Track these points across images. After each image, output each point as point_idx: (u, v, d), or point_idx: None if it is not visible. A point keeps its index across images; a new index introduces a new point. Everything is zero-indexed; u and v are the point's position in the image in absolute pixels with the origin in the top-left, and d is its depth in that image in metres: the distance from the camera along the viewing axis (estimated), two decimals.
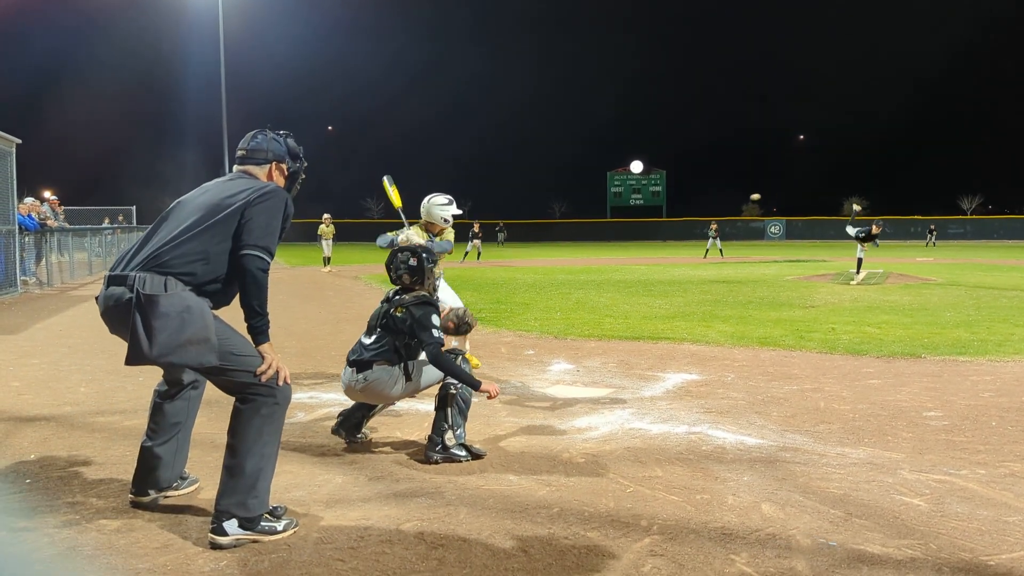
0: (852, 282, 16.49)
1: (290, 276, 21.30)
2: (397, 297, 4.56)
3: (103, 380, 6.40)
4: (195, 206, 3.27)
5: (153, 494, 3.49)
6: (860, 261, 17.06)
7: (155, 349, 3.02)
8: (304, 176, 3.69)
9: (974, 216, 75.25)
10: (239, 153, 3.55)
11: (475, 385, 4.27)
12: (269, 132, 3.58)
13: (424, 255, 4.59)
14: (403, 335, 4.39)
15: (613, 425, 4.96)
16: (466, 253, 28.95)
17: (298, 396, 5.80)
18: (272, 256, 3.24)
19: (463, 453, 4.26)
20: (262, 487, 3.19)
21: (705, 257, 32.86)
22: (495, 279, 19.03)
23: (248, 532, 3.12)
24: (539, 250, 44.56)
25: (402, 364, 4.37)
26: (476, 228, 30.10)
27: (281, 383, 3.24)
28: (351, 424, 4.59)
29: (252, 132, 3.59)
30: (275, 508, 3.25)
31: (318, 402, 5.64)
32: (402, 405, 5.50)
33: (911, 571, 2.82)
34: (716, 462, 4.16)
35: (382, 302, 4.60)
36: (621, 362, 7.27)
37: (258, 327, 3.21)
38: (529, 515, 3.38)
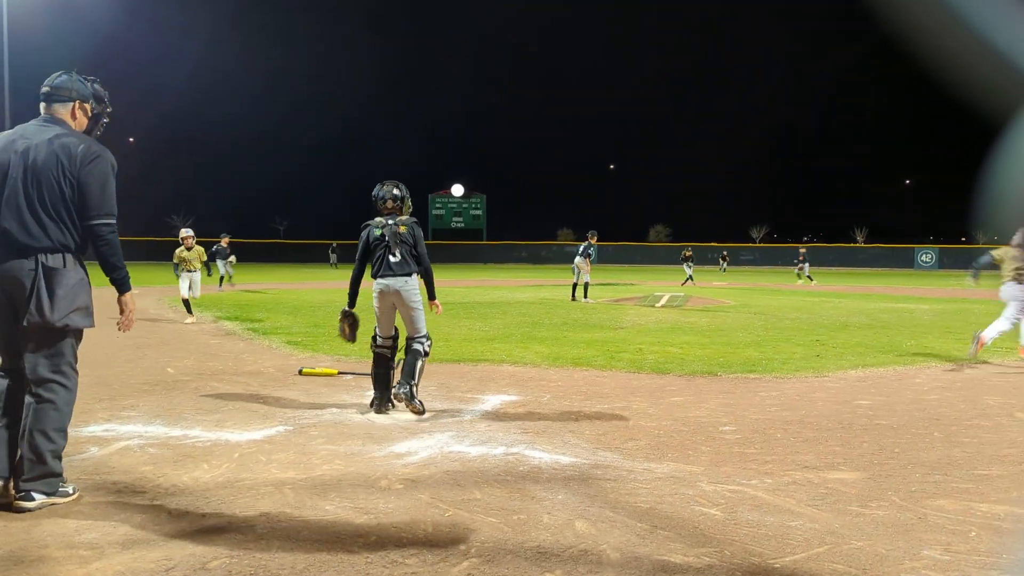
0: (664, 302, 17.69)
1: None
2: (393, 221, 6.11)
3: None
4: (36, 174, 3.66)
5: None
6: None
7: (56, 314, 3.64)
8: (107, 120, 4.08)
9: (762, 244, 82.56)
10: (44, 90, 3.84)
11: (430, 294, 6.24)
12: (75, 74, 3.91)
13: (402, 186, 6.25)
14: (409, 246, 6.05)
15: (432, 449, 4.96)
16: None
17: (91, 429, 5.35)
18: (115, 215, 3.79)
19: (420, 406, 5.87)
20: (60, 465, 3.76)
21: (684, 284, 31.56)
22: (313, 301, 18.52)
23: (51, 497, 3.70)
24: None
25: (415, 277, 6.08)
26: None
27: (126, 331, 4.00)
28: (384, 384, 6.06)
29: (58, 72, 3.89)
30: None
31: (114, 435, 5.21)
32: (209, 436, 5.21)
33: None
34: (532, 482, 4.26)
35: (377, 228, 6.11)
36: (441, 385, 7.29)
37: (122, 279, 3.88)
38: (345, 545, 3.30)
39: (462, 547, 3.30)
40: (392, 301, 6.09)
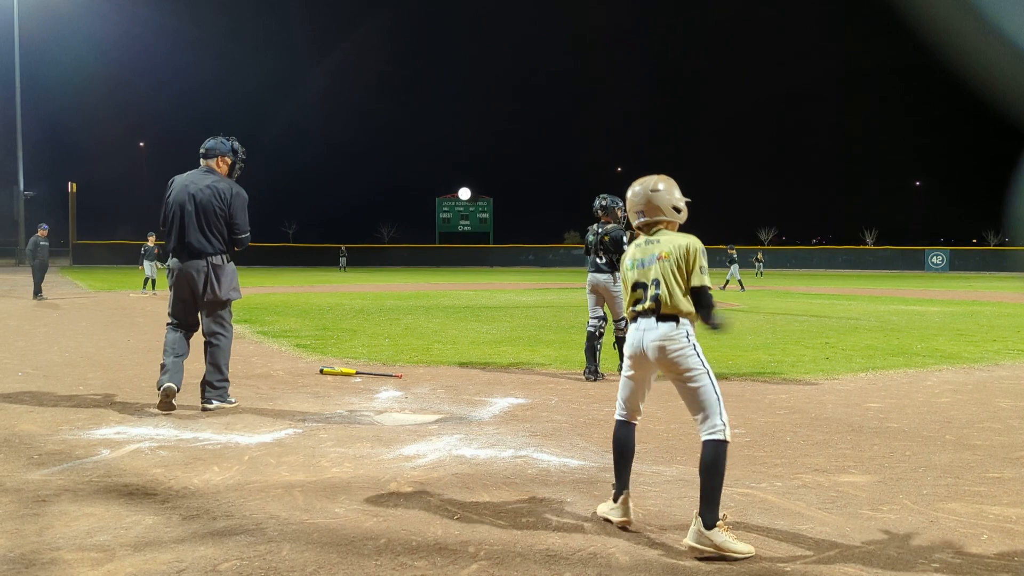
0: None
1: (94, 302, 19.75)
2: (601, 229, 7.83)
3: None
4: (202, 208, 5.99)
5: (174, 388, 5.96)
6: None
7: (222, 292, 6.08)
8: (242, 165, 6.32)
9: (771, 247, 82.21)
10: (201, 151, 6.19)
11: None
12: (219, 137, 6.21)
13: (610, 198, 7.85)
14: (611, 252, 7.59)
15: (441, 452, 4.96)
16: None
17: (103, 432, 5.38)
18: (249, 230, 6.20)
19: (595, 378, 7.75)
20: (227, 383, 6.18)
21: (724, 287, 28.41)
22: (321, 304, 18.56)
23: (223, 403, 6.08)
24: (370, 275, 43.96)
25: (615, 274, 7.54)
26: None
27: None
28: (591, 356, 7.80)
29: (208, 137, 6.20)
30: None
31: (125, 437, 5.24)
32: (219, 439, 5.24)
33: None
34: (541, 485, 4.26)
35: (591, 234, 7.94)
36: (449, 387, 7.30)
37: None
38: (355, 548, 3.31)
39: (471, 550, 3.30)
40: (598, 291, 7.84)
